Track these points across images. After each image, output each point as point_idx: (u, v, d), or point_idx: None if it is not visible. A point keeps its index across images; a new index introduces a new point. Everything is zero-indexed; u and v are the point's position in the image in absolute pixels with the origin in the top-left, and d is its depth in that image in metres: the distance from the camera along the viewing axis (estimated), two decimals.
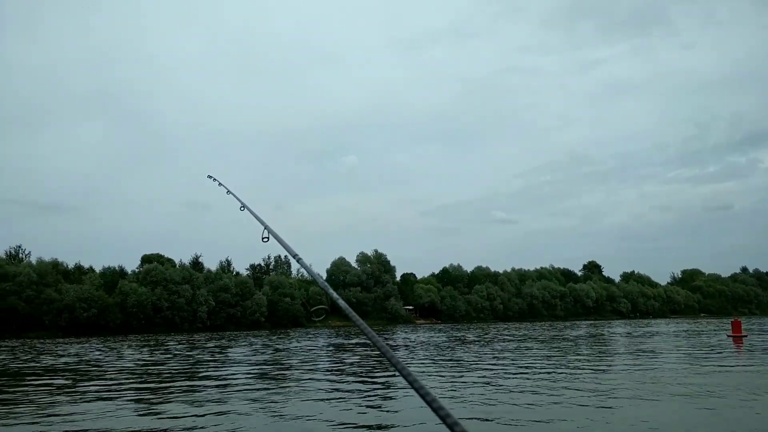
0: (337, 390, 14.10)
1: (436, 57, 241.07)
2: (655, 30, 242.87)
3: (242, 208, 5.71)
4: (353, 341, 39.84)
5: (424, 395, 1.72)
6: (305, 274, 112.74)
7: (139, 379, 17.95)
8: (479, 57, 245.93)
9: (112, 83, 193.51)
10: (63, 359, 27.64)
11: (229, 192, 6.77)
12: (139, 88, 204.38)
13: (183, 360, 25.50)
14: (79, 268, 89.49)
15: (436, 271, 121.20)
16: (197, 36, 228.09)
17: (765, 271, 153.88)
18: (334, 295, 2.82)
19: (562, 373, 16.68)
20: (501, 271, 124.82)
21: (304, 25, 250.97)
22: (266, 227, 4.55)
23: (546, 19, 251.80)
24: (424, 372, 17.77)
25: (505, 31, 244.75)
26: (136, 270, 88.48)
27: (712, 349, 24.92)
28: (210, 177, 7.60)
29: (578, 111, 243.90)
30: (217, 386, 15.29)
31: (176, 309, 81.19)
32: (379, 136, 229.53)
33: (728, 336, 33.19)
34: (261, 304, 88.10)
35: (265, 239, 4.40)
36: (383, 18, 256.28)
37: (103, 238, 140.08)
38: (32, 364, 24.68)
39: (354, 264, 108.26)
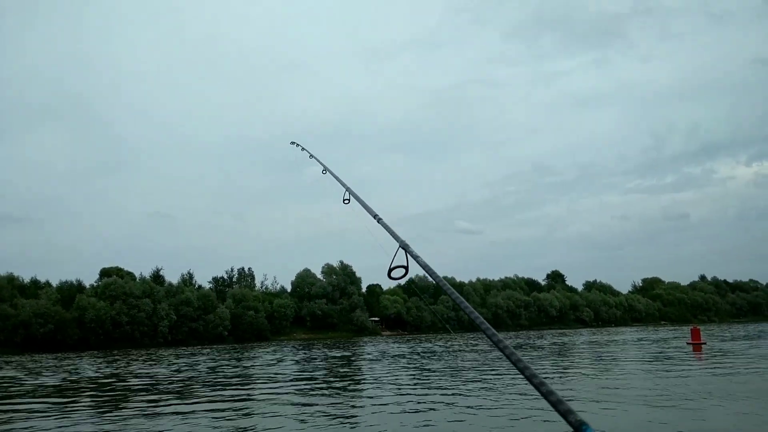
0: (303, 404, 13.80)
1: (401, 68, 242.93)
2: (613, 43, 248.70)
3: (324, 172, 5.97)
4: (319, 353, 39.40)
5: (543, 389, 1.71)
6: (269, 286, 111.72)
7: (97, 394, 17.35)
8: (444, 68, 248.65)
9: (70, 92, 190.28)
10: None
11: (311, 156, 7.02)
12: (98, 97, 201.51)
13: (145, 376, 24.83)
14: (35, 282, 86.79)
15: (403, 282, 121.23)
16: (159, 44, 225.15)
17: (723, 279, 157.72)
18: (437, 275, 2.65)
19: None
20: (466, 282, 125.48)
21: (269, 34, 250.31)
22: (348, 189, 4.83)
23: (509, 31, 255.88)
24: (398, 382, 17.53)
25: (469, 42, 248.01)
26: (95, 284, 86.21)
27: (672, 357, 25.24)
28: (293, 143, 7.98)
29: (541, 122, 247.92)
30: (180, 402, 14.84)
31: (136, 323, 79.24)
32: (344, 146, 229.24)
33: (688, 343, 33.72)
34: (224, 318, 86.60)
35: (346, 201, 4.74)
36: (349, 28, 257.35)
37: (61, 251, 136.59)
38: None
39: (319, 275, 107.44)
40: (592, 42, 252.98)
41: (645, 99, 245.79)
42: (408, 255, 2.84)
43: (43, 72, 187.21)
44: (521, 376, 1.82)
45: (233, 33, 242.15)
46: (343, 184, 4.99)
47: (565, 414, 1.60)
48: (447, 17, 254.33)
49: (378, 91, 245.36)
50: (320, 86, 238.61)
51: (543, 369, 21.10)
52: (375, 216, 3.87)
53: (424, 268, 2.70)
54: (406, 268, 2.83)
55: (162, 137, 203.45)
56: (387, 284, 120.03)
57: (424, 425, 10.43)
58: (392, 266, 2.86)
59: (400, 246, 2.94)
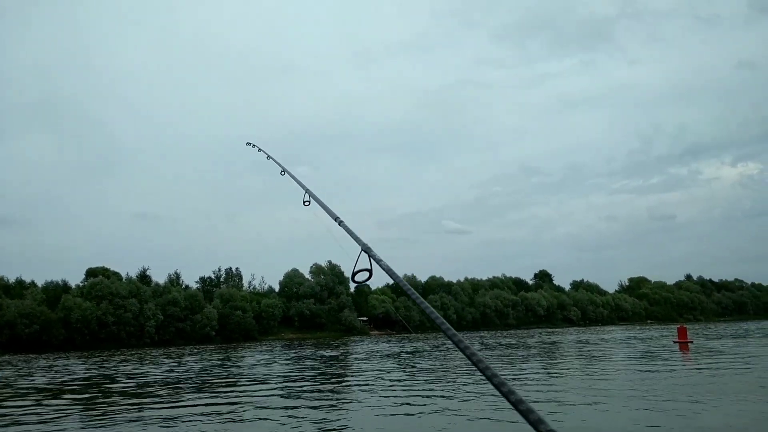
0: (290, 407, 13.71)
1: (392, 69, 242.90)
2: (601, 46, 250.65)
3: (283, 173, 5.83)
4: (305, 354, 39.29)
5: (512, 398, 1.62)
6: (257, 286, 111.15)
7: (80, 396, 17.16)
8: (435, 70, 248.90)
9: (56, 93, 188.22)
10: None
11: (269, 157, 6.87)
12: (86, 98, 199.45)
13: (131, 377, 24.61)
14: (20, 282, 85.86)
15: (391, 282, 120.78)
16: (148, 45, 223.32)
17: (708, 279, 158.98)
18: (399, 278, 2.58)
19: (512, 378, 16.63)
20: (455, 281, 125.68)
21: (259, 35, 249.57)
22: (307, 191, 4.67)
23: (498, 34, 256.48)
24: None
25: (459, 45, 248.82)
26: (81, 284, 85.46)
27: (659, 355, 25.38)
28: (249, 144, 7.80)
29: (530, 124, 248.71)
30: (166, 404, 14.69)
31: (123, 324, 78.54)
32: (335, 147, 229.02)
33: (674, 342, 33.95)
34: (211, 318, 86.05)
35: (306, 203, 4.56)
36: (340, 30, 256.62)
37: (46, 251, 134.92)
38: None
39: (308, 275, 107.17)
40: (580, 45, 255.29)
41: (632, 101, 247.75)
42: (371, 258, 2.79)
43: (32, 71, 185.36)
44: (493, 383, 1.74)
45: (227, 34, 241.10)
46: (303, 186, 4.84)
47: (536, 424, 1.52)
48: (436, 20, 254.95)
49: (368, 92, 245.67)
50: (310, 87, 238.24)
51: (532, 369, 21.14)
52: (336, 219, 3.76)
53: (387, 272, 2.65)
54: (370, 271, 2.78)
55: (149, 138, 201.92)
56: (375, 284, 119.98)
57: (410, 428, 10.39)
58: (355, 270, 2.81)
59: (362, 249, 2.87)
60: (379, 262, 2.75)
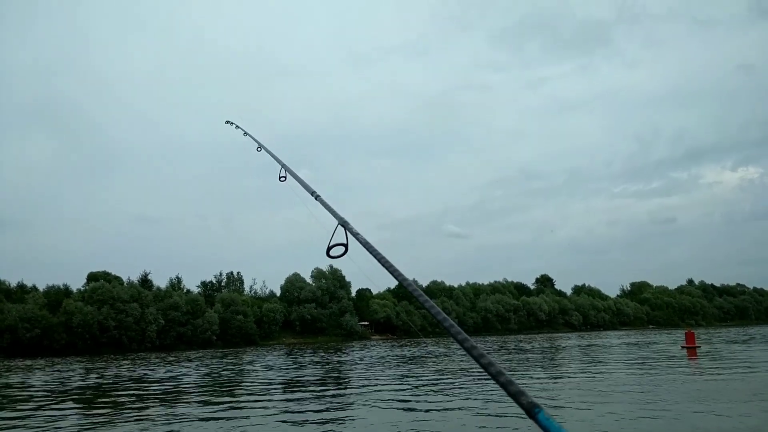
0: (290, 412, 13.51)
1: (390, 72, 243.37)
2: (598, 49, 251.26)
3: (259, 149, 5.84)
4: (307, 359, 39.06)
5: (492, 370, 1.60)
6: (258, 291, 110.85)
7: (91, 400, 16.95)
8: (433, 73, 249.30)
9: (56, 95, 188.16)
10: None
11: (246, 134, 6.92)
12: (84, 100, 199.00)
13: (132, 383, 24.40)
14: (21, 286, 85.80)
15: (392, 287, 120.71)
16: (147, 48, 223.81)
17: (710, 283, 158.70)
18: (379, 253, 2.44)
19: (519, 382, 16.42)
20: (456, 285, 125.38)
21: (257, 39, 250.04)
22: (284, 166, 4.63)
23: (496, 37, 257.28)
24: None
25: (457, 48, 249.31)
26: (82, 288, 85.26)
27: (668, 361, 25.19)
28: (228, 122, 7.88)
29: (529, 127, 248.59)
30: (169, 409, 14.48)
31: (124, 328, 78.40)
32: (334, 149, 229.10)
33: (682, 347, 33.71)
34: (212, 322, 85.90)
35: (282, 178, 4.55)
36: (338, 33, 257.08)
37: (47, 255, 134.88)
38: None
39: (309, 280, 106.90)
40: (578, 48, 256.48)
41: (631, 105, 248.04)
42: (347, 232, 2.75)
43: (26, 75, 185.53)
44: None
45: (225, 36, 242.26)
46: (278, 161, 4.80)
47: (516, 395, 1.48)
48: (433, 23, 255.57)
49: (367, 95, 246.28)
50: (309, 90, 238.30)
51: (540, 377, 20.93)
52: (312, 193, 3.74)
53: (364, 246, 2.60)
54: (346, 245, 2.76)
55: (147, 140, 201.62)
56: (376, 288, 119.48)
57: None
58: (331, 244, 2.77)
59: (339, 223, 2.84)
60: (356, 235, 2.70)
